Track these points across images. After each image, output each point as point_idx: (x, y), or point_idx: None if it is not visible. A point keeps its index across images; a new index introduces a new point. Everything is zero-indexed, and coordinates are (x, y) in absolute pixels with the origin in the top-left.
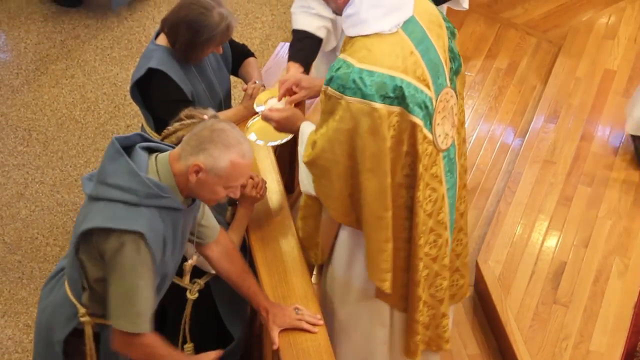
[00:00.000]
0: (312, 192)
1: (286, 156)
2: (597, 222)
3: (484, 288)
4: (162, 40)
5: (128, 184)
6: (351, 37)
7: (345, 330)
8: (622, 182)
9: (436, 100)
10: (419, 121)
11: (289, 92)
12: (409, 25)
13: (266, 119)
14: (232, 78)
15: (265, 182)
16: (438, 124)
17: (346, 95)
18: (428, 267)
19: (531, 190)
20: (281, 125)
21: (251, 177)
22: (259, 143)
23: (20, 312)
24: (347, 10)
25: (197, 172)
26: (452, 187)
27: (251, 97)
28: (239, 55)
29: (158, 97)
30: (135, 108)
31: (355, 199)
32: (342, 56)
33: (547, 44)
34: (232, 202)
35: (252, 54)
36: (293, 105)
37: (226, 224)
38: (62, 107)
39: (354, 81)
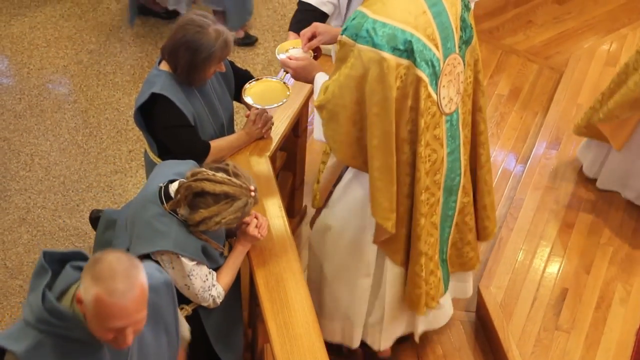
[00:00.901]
0: (322, 137)
1: (288, 181)
2: (598, 249)
3: (485, 314)
4: (165, 66)
5: (32, 301)
6: None
7: (331, 283)
8: (623, 209)
9: (444, 63)
10: (424, 77)
11: (309, 39)
12: None
13: (285, 65)
14: (235, 104)
15: (268, 223)
16: (443, 86)
17: (358, 43)
18: (426, 225)
19: (533, 216)
20: (297, 73)
21: (255, 217)
22: (256, 107)
23: None
24: None
25: (79, 302)
26: (452, 152)
27: (254, 123)
28: (242, 81)
29: (160, 122)
30: (138, 133)
31: (363, 144)
32: (359, 8)
33: (548, 70)
34: (231, 235)
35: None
36: (312, 51)
37: (224, 259)
38: (64, 132)
39: (367, 30)
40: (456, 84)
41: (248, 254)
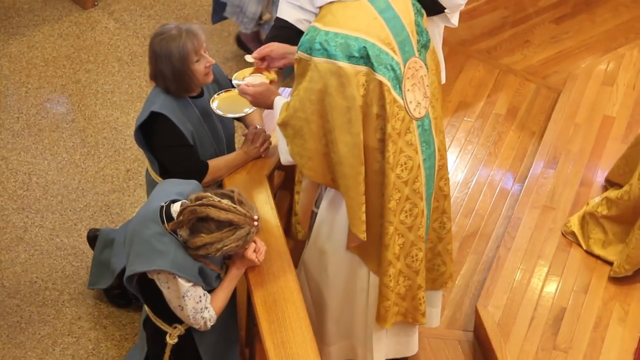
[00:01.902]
0: (289, 158)
1: (286, 200)
2: (596, 268)
3: (483, 334)
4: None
5: None
6: (320, 8)
7: (335, 309)
8: None
9: (404, 67)
10: (385, 81)
11: (262, 59)
12: None
13: (242, 92)
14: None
15: (266, 249)
16: (408, 90)
17: (314, 56)
18: (404, 236)
19: (530, 235)
20: (256, 99)
21: (254, 241)
22: (218, 112)
23: (18, 356)
24: None
25: None
26: (428, 159)
27: (252, 142)
28: None
29: (159, 141)
30: (136, 152)
31: (330, 159)
32: (312, 23)
33: (546, 90)
34: (228, 257)
35: None
36: (275, 72)
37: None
38: (62, 151)
39: (320, 43)
40: (421, 87)
41: (246, 273)
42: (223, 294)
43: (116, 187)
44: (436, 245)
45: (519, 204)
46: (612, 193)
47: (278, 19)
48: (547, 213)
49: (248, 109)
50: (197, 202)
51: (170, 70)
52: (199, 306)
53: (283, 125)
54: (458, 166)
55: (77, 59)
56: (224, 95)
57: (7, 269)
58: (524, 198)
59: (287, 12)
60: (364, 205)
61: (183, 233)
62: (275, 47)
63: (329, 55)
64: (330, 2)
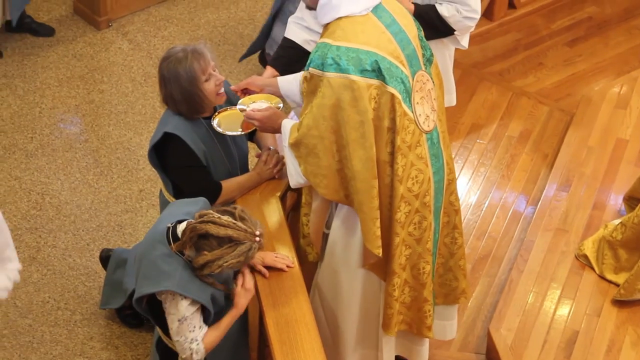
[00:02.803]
0: (301, 180)
1: (298, 222)
2: (609, 291)
3: (495, 356)
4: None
5: None
6: (327, 25)
7: (351, 332)
8: None
9: (413, 80)
10: (397, 93)
11: (242, 92)
12: (378, 11)
13: (249, 118)
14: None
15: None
16: (417, 103)
17: (326, 72)
18: (411, 247)
19: (543, 258)
20: (263, 124)
21: (242, 273)
22: (218, 130)
23: None
24: (321, 1)
25: None
26: (437, 172)
27: (265, 163)
28: None
29: (172, 162)
30: (149, 173)
31: (344, 175)
32: (320, 40)
33: (559, 112)
34: (235, 274)
35: None
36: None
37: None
38: (75, 171)
39: (332, 58)
40: (429, 100)
41: (257, 294)
42: (218, 332)
43: (129, 208)
44: (448, 261)
45: (531, 226)
46: (625, 217)
47: (285, 39)
48: (560, 236)
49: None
50: (198, 220)
51: (180, 93)
52: (191, 335)
53: (295, 145)
54: (471, 188)
55: (90, 80)
56: (224, 113)
57: (19, 289)
58: (536, 221)
59: (294, 32)
60: (378, 220)
61: (189, 253)
62: (253, 80)
63: (342, 70)
64: (338, 18)
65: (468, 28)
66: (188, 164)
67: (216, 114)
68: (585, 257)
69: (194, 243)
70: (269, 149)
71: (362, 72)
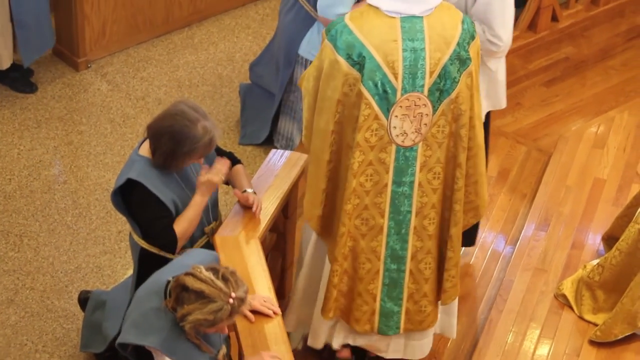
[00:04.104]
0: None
1: (277, 262)
2: (588, 331)
3: None
4: (145, 150)
5: None
6: (361, 2)
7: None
8: None
9: (401, 95)
10: (367, 94)
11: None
12: (410, 22)
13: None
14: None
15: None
16: (396, 116)
17: (327, 38)
18: (355, 240)
19: (522, 298)
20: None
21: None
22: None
23: None
24: None
25: None
26: (400, 185)
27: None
28: None
29: (137, 210)
30: None
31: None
32: (346, 13)
33: (537, 152)
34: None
35: (238, 161)
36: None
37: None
38: (54, 212)
39: (335, 30)
40: (416, 122)
41: (236, 333)
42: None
43: (107, 249)
44: (422, 287)
45: (510, 266)
46: (602, 258)
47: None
48: (539, 275)
49: None
50: (184, 272)
51: (169, 150)
52: None
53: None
54: None
55: (69, 121)
56: None
57: None
58: (515, 260)
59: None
60: (319, 198)
61: (177, 307)
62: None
63: (334, 46)
64: (370, 5)
65: (491, 52)
66: (154, 214)
67: None
68: (564, 297)
69: (177, 295)
70: (245, 190)
71: (348, 58)
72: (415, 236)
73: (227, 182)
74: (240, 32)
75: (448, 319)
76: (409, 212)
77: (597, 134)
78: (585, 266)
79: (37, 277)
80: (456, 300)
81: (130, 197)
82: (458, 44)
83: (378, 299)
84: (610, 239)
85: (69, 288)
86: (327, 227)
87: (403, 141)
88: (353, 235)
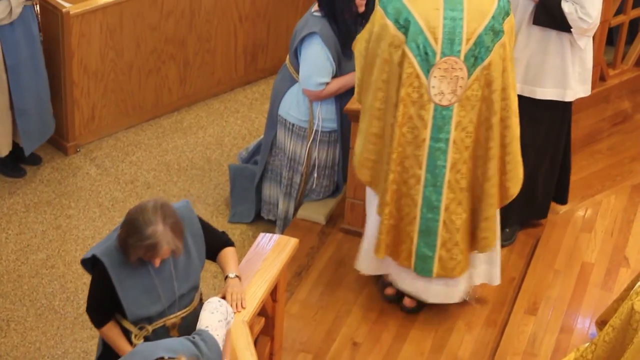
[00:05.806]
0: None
1: (266, 346)
2: None
3: None
4: None
5: None
6: None
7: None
8: None
9: (439, 58)
10: (410, 55)
11: None
12: None
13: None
14: (214, 267)
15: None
16: (434, 77)
17: (379, 4)
18: (397, 184)
19: None
20: None
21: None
22: None
23: None
24: None
25: None
26: (437, 141)
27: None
28: (217, 243)
29: (91, 283)
30: None
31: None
32: None
33: (524, 236)
34: None
35: (231, 243)
36: None
37: None
38: (41, 297)
39: None
40: (452, 84)
41: None
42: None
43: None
44: (454, 235)
45: (499, 351)
46: (596, 337)
47: None
48: None
49: None
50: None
51: (122, 237)
52: None
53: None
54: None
55: (58, 205)
56: None
57: None
58: (504, 345)
59: None
60: (372, 146)
61: None
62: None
63: (385, 11)
64: None
65: (582, 30)
66: (96, 293)
67: None
68: None
69: None
70: (227, 276)
71: (396, 22)
72: (449, 189)
73: (214, 260)
74: (229, 116)
75: (490, 269)
76: (444, 166)
77: (585, 218)
78: (578, 349)
79: None
80: (498, 250)
81: (92, 270)
82: (493, 17)
83: (415, 242)
84: (603, 324)
85: None
86: (376, 176)
87: (440, 100)
88: (396, 180)
